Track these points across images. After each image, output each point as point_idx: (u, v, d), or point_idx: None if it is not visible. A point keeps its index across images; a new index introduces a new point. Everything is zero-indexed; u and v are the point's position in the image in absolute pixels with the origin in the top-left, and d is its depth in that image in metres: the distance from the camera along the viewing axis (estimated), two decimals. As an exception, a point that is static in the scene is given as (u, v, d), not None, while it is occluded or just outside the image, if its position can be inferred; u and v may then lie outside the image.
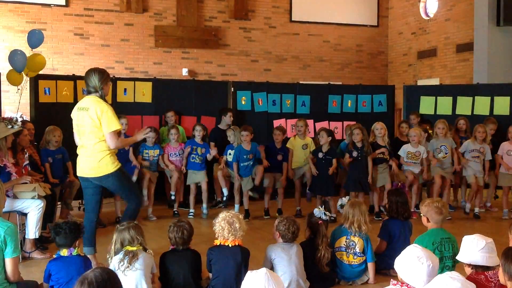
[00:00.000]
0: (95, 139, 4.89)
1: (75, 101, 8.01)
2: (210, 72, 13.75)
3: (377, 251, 5.14)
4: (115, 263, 4.03)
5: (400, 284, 2.82)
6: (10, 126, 5.70)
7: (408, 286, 2.79)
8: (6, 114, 7.34)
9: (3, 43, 12.09)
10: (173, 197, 7.76)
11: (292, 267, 4.41)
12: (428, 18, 14.22)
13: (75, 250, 4.10)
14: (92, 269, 2.68)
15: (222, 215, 4.37)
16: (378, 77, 15.46)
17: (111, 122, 4.85)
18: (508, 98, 8.91)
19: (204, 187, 7.74)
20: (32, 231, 5.61)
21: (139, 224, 4.32)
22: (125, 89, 8.53)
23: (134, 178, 7.38)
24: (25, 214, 5.66)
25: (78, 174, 5.13)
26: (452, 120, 8.45)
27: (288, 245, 4.53)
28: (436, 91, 9.60)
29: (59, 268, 4.01)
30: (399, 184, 7.66)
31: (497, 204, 8.36)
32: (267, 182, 7.70)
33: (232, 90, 9.09)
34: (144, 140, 7.48)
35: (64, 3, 12.59)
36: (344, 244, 4.88)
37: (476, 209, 7.81)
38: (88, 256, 4.76)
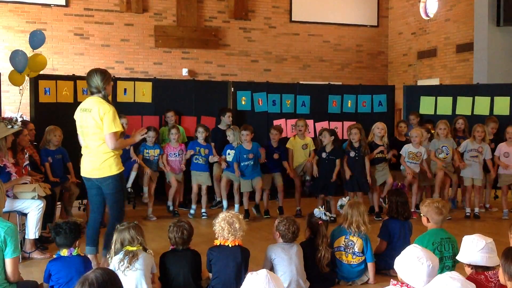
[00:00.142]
0: (98, 140, 4.89)
1: (75, 101, 8.03)
2: (210, 72, 13.76)
3: (377, 251, 5.14)
4: (115, 263, 4.03)
5: (400, 284, 2.82)
6: (10, 126, 5.70)
7: (408, 286, 2.79)
8: (6, 114, 7.34)
9: (3, 43, 12.09)
10: (170, 208, 7.78)
11: (292, 267, 4.41)
12: (428, 18, 14.22)
13: (75, 250, 4.10)
14: (93, 270, 2.68)
15: (222, 215, 4.38)
16: (378, 77, 15.46)
17: (112, 124, 4.84)
18: (508, 98, 8.91)
19: (204, 190, 7.77)
20: (32, 231, 5.61)
21: (139, 224, 4.32)
22: (125, 89, 8.53)
23: (134, 173, 7.39)
24: (25, 214, 5.66)
25: (82, 174, 5.13)
26: (452, 120, 8.45)
27: (288, 245, 4.53)
28: (436, 91, 9.59)
29: (59, 268, 4.01)
30: (399, 184, 7.66)
31: (497, 204, 8.36)
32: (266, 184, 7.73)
33: (232, 90, 9.08)
34: (144, 139, 7.49)
35: (64, 3, 12.60)
36: (343, 244, 4.89)
37: (476, 209, 7.81)
38: (89, 256, 4.77)
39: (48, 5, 12.49)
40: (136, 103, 8.55)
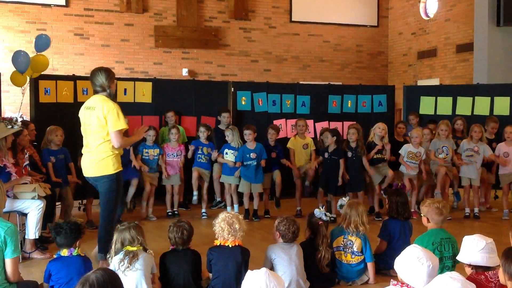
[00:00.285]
0: (100, 139, 4.87)
1: (75, 101, 8.04)
2: (210, 72, 13.76)
3: (377, 251, 5.15)
4: (115, 263, 4.03)
5: (400, 284, 2.82)
6: (10, 126, 5.70)
7: (408, 286, 2.79)
8: (6, 114, 7.34)
9: (3, 43, 12.10)
10: (170, 213, 7.79)
11: (292, 267, 4.41)
12: (428, 18, 14.23)
13: (76, 250, 4.10)
14: (94, 271, 2.67)
15: (222, 215, 4.37)
16: (378, 77, 15.47)
17: (117, 121, 4.83)
18: (508, 98, 8.91)
19: (205, 190, 7.80)
20: (32, 231, 5.61)
21: (139, 224, 4.31)
22: (125, 89, 8.52)
23: (132, 190, 7.34)
24: (25, 214, 5.66)
25: (84, 175, 5.14)
26: (451, 121, 8.45)
27: (288, 245, 4.53)
28: (436, 91, 9.59)
29: (59, 268, 4.01)
30: (399, 184, 7.66)
31: (497, 204, 8.35)
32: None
33: (232, 90, 9.08)
34: (144, 139, 7.49)
35: (64, 3, 12.60)
36: (342, 244, 4.89)
37: (476, 209, 7.80)
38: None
39: (48, 5, 12.49)
40: (136, 103, 8.54)
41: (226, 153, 7.77)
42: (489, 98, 9.00)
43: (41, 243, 5.94)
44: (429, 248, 4.01)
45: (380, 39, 15.61)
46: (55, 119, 7.35)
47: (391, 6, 15.59)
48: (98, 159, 4.89)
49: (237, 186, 7.65)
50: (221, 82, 10.16)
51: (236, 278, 4.16)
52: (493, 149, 7.96)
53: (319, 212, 4.83)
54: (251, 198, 7.66)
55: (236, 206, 7.67)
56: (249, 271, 2.86)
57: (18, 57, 7.51)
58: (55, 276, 4.00)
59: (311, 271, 4.62)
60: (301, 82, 11.52)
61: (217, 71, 13.82)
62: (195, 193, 7.77)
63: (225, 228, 4.28)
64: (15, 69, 7.62)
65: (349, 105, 9.54)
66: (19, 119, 5.97)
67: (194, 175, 7.75)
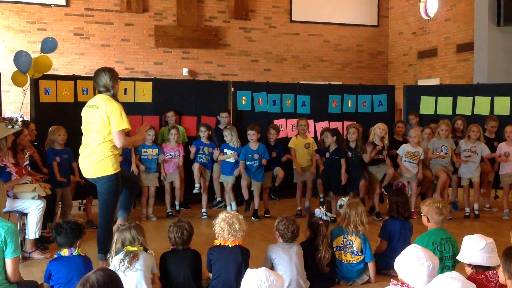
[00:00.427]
0: (101, 138, 4.85)
1: (75, 101, 8.05)
2: (210, 72, 13.76)
3: (378, 251, 5.15)
4: (115, 263, 4.02)
5: (400, 284, 2.82)
6: (10, 126, 5.70)
7: (408, 286, 2.79)
8: (7, 114, 7.33)
9: (3, 43, 12.11)
10: (170, 213, 7.79)
11: (292, 267, 4.41)
12: (428, 18, 14.22)
13: (76, 250, 4.09)
14: (94, 271, 2.65)
15: (222, 215, 4.37)
16: (378, 77, 15.47)
17: (120, 121, 4.81)
18: (508, 98, 8.91)
19: (204, 190, 7.81)
20: (32, 231, 5.61)
21: (140, 225, 4.31)
22: (125, 89, 8.52)
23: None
24: (26, 214, 5.66)
25: (84, 175, 5.14)
26: (451, 120, 8.46)
27: (288, 245, 4.53)
28: (436, 91, 9.59)
29: (60, 268, 4.01)
30: (399, 184, 7.68)
31: (497, 204, 8.35)
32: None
33: (232, 90, 9.08)
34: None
35: (64, 3, 12.61)
36: (341, 243, 4.89)
37: (476, 206, 7.77)
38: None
39: (49, 5, 12.50)
40: (136, 103, 8.54)
41: (225, 153, 7.78)
42: (489, 98, 9.00)
43: (41, 243, 5.94)
44: (429, 248, 4.02)
45: (380, 39, 15.61)
46: (55, 119, 7.35)
47: (391, 6, 15.59)
48: (97, 160, 4.87)
49: (234, 185, 7.65)
50: (221, 82, 10.16)
51: (236, 278, 4.16)
52: (494, 148, 7.97)
53: (320, 212, 4.83)
54: (251, 198, 7.66)
55: (233, 203, 7.65)
56: (248, 269, 2.87)
57: (20, 57, 7.51)
58: (55, 276, 4.00)
59: (311, 271, 4.62)
60: (301, 82, 11.52)
61: (217, 71, 13.83)
62: (197, 185, 7.77)
63: (225, 228, 4.28)
64: (16, 69, 7.62)
65: (349, 105, 9.54)
66: (20, 119, 5.97)
67: (196, 167, 7.74)
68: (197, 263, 4.42)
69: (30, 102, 7.90)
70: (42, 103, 7.87)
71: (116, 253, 4.11)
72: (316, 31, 14.84)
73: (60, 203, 6.92)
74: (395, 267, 2.90)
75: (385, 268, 5.02)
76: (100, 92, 5.00)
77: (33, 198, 5.66)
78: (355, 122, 8.52)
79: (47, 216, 6.01)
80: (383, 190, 7.71)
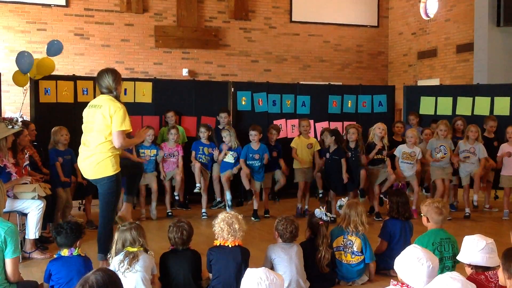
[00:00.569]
0: (102, 138, 4.84)
1: (75, 101, 8.05)
2: (210, 72, 13.76)
3: (378, 251, 5.15)
4: (115, 264, 4.02)
5: (400, 284, 2.82)
6: (10, 127, 5.70)
7: (408, 286, 2.79)
8: (7, 114, 7.33)
9: (3, 43, 12.11)
10: (170, 213, 7.79)
11: (292, 267, 4.41)
12: (428, 18, 14.23)
13: (76, 250, 4.09)
14: (93, 271, 2.65)
15: (221, 216, 4.37)
16: (378, 78, 15.47)
17: (122, 122, 4.81)
18: (508, 98, 8.91)
19: (204, 191, 7.80)
20: (32, 231, 5.61)
21: (141, 225, 4.30)
22: (125, 89, 8.51)
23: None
24: (25, 214, 5.66)
25: (84, 176, 5.13)
26: (451, 121, 8.46)
27: (288, 245, 4.53)
28: (436, 91, 9.60)
29: (60, 268, 4.01)
30: (400, 184, 7.67)
31: (497, 204, 8.35)
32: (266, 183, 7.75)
33: (232, 91, 9.08)
34: (142, 139, 7.50)
35: (64, 3, 12.61)
36: (342, 244, 4.89)
37: (475, 197, 7.69)
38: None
39: (49, 5, 12.50)
40: (136, 103, 8.53)
41: (225, 154, 7.78)
42: (489, 98, 9.00)
43: (41, 243, 5.94)
44: (429, 248, 4.01)
45: (380, 39, 15.61)
46: (55, 119, 7.36)
47: (391, 6, 15.60)
48: (97, 161, 4.86)
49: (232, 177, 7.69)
50: (221, 82, 10.16)
51: (236, 278, 4.16)
52: (494, 148, 7.97)
53: (320, 212, 4.83)
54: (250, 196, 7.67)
55: (228, 192, 7.63)
56: (248, 269, 2.88)
57: (22, 58, 7.50)
58: (55, 276, 4.00)
59: (311, 271, 4.62)
60: (301, 82, 11.51)
61: (217, 71, 13.83)
62: (198, 185, 7.77)
63: (224, 228, 4.28)
64: (17, 69, 7.61)
65: (349, 105, 9.55)
66: (20, 119, 5.97)
67: (197, 166, 7.74)
68: (197, 263, 4.42)
69: (30, 102, 7.90)
70: (42, 103, 7.87)
71: (116, 254, 4.11)
72: (316, 32, 14.85)
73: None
74: (395, 267, 2.90)
75: (385, 268, 5.02)
76: (102, 93, 5.00)
77: (33, 198, 5.66)
78: (355, 122, 8.52)
79: (47, 216, 6.02)
80: (382, 196, 7.70)
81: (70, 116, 7.40)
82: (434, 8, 14.06)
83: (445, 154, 7.78)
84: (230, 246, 4.29)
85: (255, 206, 7.62)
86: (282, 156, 7.91)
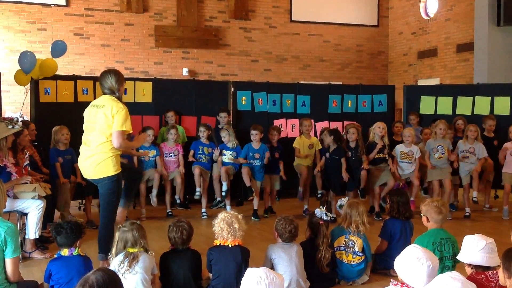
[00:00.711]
0: (103, 137, 4.83)
1: (75, 101, 8.05)
2: (210, 72, 13.76)
3: (378, 251, 5.15)
4: (115, 264, 4.01)
5: (400, 284, 2.82)
6: (10, 126, 5.71)
7: (408, 286, 2.79)
8: (7, 114, 7.33)
9: (3, 43, 12.10)
10: (170, 213, 7.80)
11: (292, 267, 4.41)
12: (428, 18, 14.23)
13: (76, 250, 4.09)
14: (94, 271, 2.64)
15: (221, 215, 4.37)
16: (378, 77, 15.47)
17: (123, 122, 4.80)
18: (508, 98, 8.91)
19: (204, 191, 7.81)
20: (32, 231, 5.62)
21: (141, 225, 4.28)
22: (125, 89, 8.49)
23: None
24: (26, 214, 5.66)
25: (84, 176, 5.13)
26: (452, 120, 8.46)
27: (288, 245, 4.53)
28: (436, 91, 9.59)
29: (60, 268, 4.00)
30: (400, 184, 7.67)
31: (497, 204, 8.35)
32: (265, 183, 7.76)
33: (232, 90, 9.08)
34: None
35: (64, 3, 12.60)
36: (343, 244, 4.89)
37: (475, 194, 7.72)
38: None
39: (49, 5, 12.50)
40: (136, 103, 8.53)
41: (224, 154, 7.79)
42: (489, 98, 9.00)
43: (41, 243, 5.94)
44: (429, 248, 4.01)
45: (380, 39, 15.61)
46: (55, 119, 7.36)
47: (391, 6, 15.59)
48: (98, 161, 4.85)
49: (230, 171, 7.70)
50: (221, 82, 10.16)
51: (236, 278, 4.15)
52: (494, 147, 7.96)
53: (320, 212, 4.83)
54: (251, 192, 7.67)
55: (225, 184, 7.62)
56: (248, 268, 2.88)
57: (24, 58, 7.49)
58: (55, 276, 3.99)
59: (311, 271, 4.62)
60: (301, 82, 11.51)
61: (217, 71, 13.83)
62: (198, 189, 7.78)
63: (224, 228, 4.28)
64: (19, 69, 7.61)
65: (349, 105, 9.54)
66: (20, 119, 5.97)
67: (197, 171, 7.75)
68: (197, 263, 4.41)
69: (30, 102, 7.90)
70: (42, 103, 7.87)
71: (117, 254, 4.10)
72: (316, 31, 14.85)
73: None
74: (395, 267, 2.90)
75: (385, 268, 5.03)
76: (105, 94, 5.00)
77: (33, 198, 5.66)
78: (354, 122, 8.52)
79: (47, 216, 6.01)
80: (381, 202, 7.70)
81: (70, 116, 7.40)
82: (434, 8, 14.06)
83: (442, 154, 7.77)
84: (230, 246, 4.29)
85: (255, 206, 7.63)
86: (282, 156, 7.91)
